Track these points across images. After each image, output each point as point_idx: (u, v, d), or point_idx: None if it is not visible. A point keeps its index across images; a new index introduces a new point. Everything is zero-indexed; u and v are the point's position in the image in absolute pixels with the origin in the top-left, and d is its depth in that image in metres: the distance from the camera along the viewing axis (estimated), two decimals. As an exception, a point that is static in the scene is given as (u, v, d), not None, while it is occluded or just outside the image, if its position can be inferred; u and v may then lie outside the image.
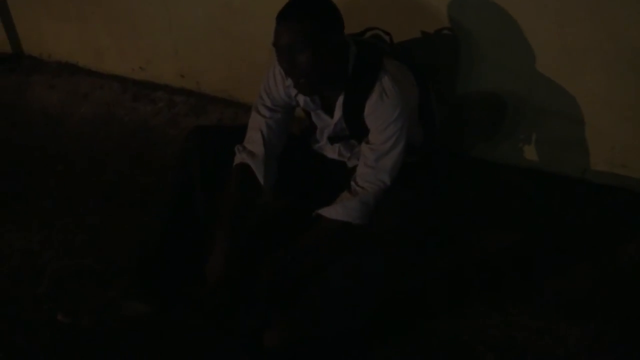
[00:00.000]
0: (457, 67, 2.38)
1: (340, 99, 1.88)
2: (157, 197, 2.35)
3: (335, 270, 1.79)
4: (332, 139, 2.03)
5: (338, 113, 1.91)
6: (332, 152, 2.10)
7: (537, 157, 2.43)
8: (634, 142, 2.22)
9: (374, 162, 1.84)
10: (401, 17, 2.34)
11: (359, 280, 1.78)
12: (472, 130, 2.52)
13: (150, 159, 2.78)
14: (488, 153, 2.52)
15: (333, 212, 1.83)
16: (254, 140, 1.98)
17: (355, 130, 1.93)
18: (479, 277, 2.06)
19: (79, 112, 3.20)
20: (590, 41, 2.10)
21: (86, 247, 2.29)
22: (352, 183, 1.87)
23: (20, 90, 3.43)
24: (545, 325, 1.90)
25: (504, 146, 2.47)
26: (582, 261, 2.10)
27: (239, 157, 1.97)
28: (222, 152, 2.00)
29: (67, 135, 3.03)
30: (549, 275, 2.05)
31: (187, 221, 2.02)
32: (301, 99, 1.96)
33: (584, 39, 2.10)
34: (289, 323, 1.76)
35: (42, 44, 3.62)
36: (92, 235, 2.35)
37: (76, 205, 2.52)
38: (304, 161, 2.14)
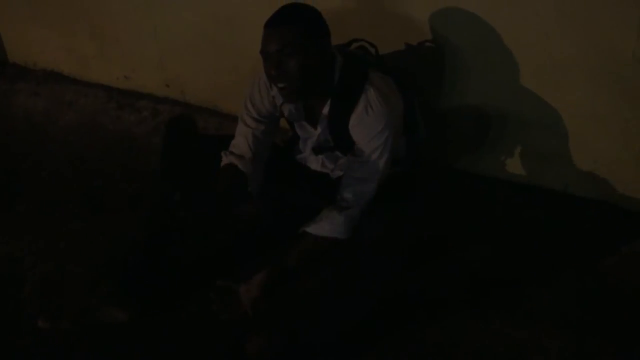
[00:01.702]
0: (441, 80, 2.38)
1: (325, 110, 1.88)
2: (140, 204, 2.35)
3: (319, 280, 1.79)
4: (316, 150, 2.03)
5: (322, 124, 1.91)
6: (315, 163, 2.10)
7: (520, 170, 2.44)
8: (617, 155, 2.24)
9: (360, 174, 1.84)
10: (387, 29, 2.35)
11: (343, 291, 1.79)
12: (456, 143, 2.53)
13: (134, 167, 2.77)
14: (471, 165, 2.52)
15: (319, 228, 1.83)
16: (240, 146, 1.98)
17: (339, 141, 1.93)
18: (462, 288, 2.07)
19: (63, 120, 3.18)
20: (575, 54, 2.11)
21: (68, 253, 2.28)
22: (338, 196, 1.87)
23: (4, 97, 3.40)
24: (527, 336, 1.91)
25: (488, 159, 2.48)
26: (565, 273, 2.11)
27: (226, 160, 1.97)
28: (206, 160, 2.00)
29: (52, 142, 3.01)
30: (532, 287, 2.06)
31: (170, 229, 2.02)
32: (286, 109, 1.95)
33: (569, 51, 2.12)
34: (271, 332, 1.76)
35: (27, 52, 3.59)
36: (75, 241, 2.34)
37: (59, 212, 2.51)
38: (287, 172, 2.13)
